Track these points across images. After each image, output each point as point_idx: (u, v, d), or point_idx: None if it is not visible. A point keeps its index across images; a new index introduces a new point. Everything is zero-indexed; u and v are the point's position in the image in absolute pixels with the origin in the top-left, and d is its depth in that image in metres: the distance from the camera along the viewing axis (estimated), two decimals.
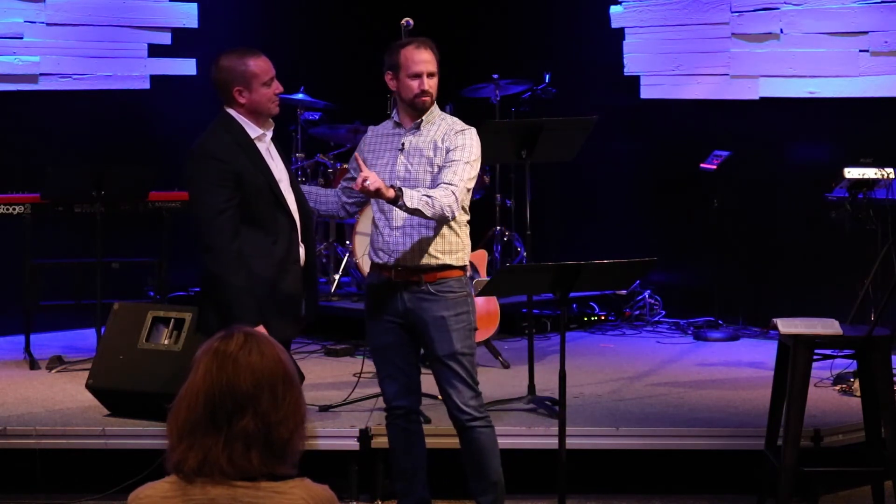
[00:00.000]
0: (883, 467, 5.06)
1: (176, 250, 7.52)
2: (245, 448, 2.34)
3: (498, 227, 8.32)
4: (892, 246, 5.98)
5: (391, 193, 4.36)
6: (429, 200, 4.41)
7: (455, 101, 7.75)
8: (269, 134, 4.56)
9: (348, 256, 8.02)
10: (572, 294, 4.72)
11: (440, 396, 4.87)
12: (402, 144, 4.64)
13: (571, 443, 4.84)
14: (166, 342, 5.74)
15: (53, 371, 6.91)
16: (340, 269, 8.12)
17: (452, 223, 4.59)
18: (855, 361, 5.47)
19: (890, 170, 6.43)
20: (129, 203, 7.36)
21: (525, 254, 7.61)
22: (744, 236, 8.44)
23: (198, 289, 6.33)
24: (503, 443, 4.77)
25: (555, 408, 5.57)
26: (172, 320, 5.79)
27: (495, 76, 8.31)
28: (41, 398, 6.20)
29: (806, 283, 8.09)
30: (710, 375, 6.87)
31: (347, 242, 8.07)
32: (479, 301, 6.81)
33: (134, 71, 8.57)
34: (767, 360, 6.15)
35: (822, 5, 8.08)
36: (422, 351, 4.77)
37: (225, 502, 2.34)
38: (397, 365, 4.70)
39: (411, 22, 5.50)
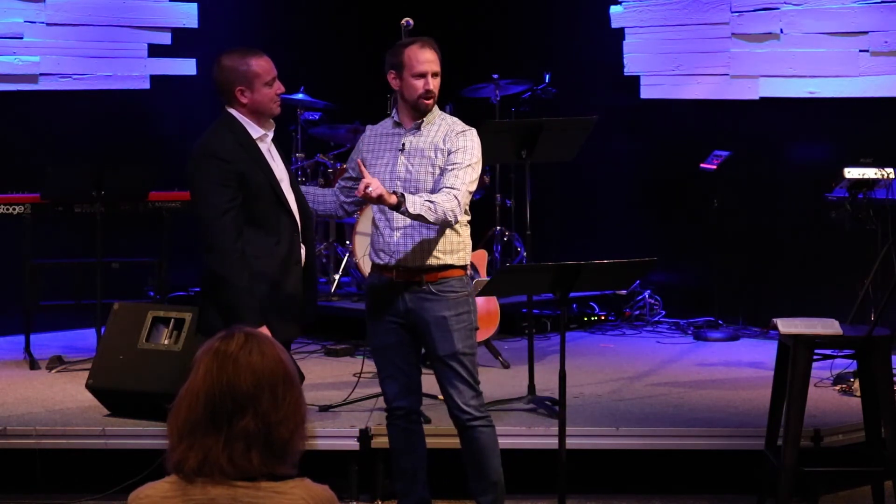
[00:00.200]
0: (883, 467, 5.06)
1: (176, 250, 7.52)
2: (245, 448, 2.34)
3: (498, 227, 8.32)
4: (892, 246, 5.98)
5: (393, 200, 4.34)
6: (431, 206, 4.40)
7: (455, 101, 7.76)
8: (271, 135, 4.56)
9: (348, 256, 8.02)
10: (572, 294, 4.72)
11: (441, 396, 4.88)
12: (403, 145, 4.63)
13: (571, 443, 4.84)
14: (166, 342, 5.74)
15: (53, 371, 6.91)
16: (340, 269, 8.12)
17: None
18: (855, 361, 5.47)
19: (890, 170, 6.43)
20: (129, 203, 7.36)
21: (525, 254, 7.61)
22: (744, 236, 8.44)
23: (198, 289, 6.35)
24: (503, 443, 4.77)
25: (555, 408, 5.57)
26: (172, 320, 5.79)
27: (495, 76, 8.31)
28: (41, 398, 6.20)
29: (806, 283, 8.09)
30: (710, 375, 6.87)
31: (347, 242, 8.07)
32: (479, 301, 6.80)
33: (134, 71, 8.57)
34: (767, 360, 6.15)
35: (822, 5, 8.08)
36: (422, 351, 4.77)
37: (225, 502, 2.34)
38: (398, 365, 4.69)
39: (411, 22, 5.50)
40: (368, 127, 4.84)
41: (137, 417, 5.59)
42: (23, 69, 8.15)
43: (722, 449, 5.58)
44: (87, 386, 5.82)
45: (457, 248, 4.63)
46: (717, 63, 8.47)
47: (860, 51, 7.96)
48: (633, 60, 8.83)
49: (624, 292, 8.60)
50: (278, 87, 4.51)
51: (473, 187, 4.59)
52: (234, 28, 8.68)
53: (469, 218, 4.69)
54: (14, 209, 7.14)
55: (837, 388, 6.35)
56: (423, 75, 4.57)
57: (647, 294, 8.76)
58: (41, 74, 8.22)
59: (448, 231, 4.59)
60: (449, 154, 4.56)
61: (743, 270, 8.44)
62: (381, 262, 4.65)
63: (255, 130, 4.50)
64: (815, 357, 5.00)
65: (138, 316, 5.86)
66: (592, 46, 9.00)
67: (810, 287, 8.00)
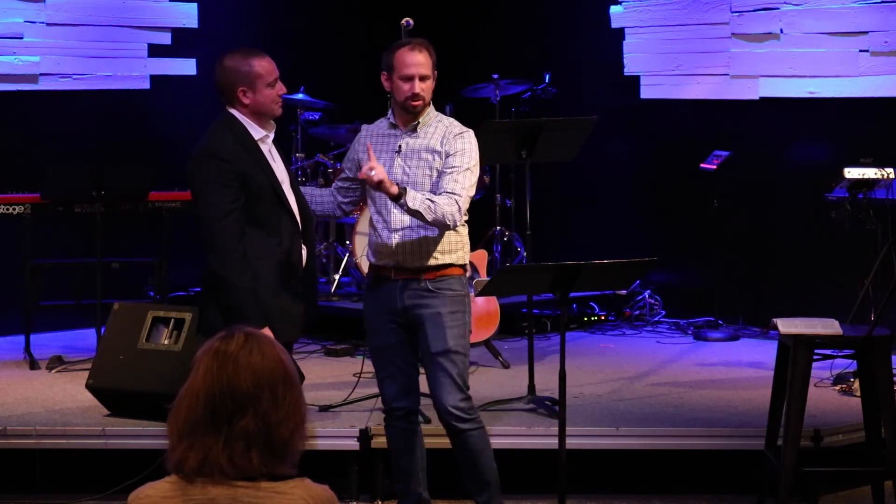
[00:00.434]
0: (883, 467, 5.06)
1: (176, 250, 7.51)
2: (245, 448, 2.34)
3: (498, 227, 8.32)
4: (892, 246, 5.98)
5: (394, 190, 4.34)
6: (431, 205, 4.39)
7: (455, 101, 7.76)
8: (272, 135, 4.55)
9: (348, 256, 8.02)
10: (572, 294, 4.72)
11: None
12: (399, 146, 4.62)
13: (571, 443, 4.84)
14: (166, 342, 5.74)
15: (53, 371, 6.91)
16: (340, 269, 8.12)
17: None
18: (855, 361, 5.47)
19: (890, 170, 6.43)
20: (129, 203, 7.35)
21: (525, 254, 7.61)
22: (744, 236, 8.44)
23: (198, 289, 6.35)
24: (503, 443, 4.78)
25: (555, 408, 5.56)
26: (172, 320, 5.78)
27: (495, 76, 8.30)
28: (41, 398, 6.20)
29: (806, 283, 8.09)
30: (710, 375, 6.87)
31: (347, 242, 8.07)
32: (479, 301, 6.82)
33: (134, 71, 8.57)
34: (767, 360, 6.15)
35: (822, 5, 8.08)
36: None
37: (225, 502, 2.35)
38: (397, 365, 4.69)
39: (411, 22, 5.50)
40: (364, 126, 4.82)
41: (137, 417, 5.59)
42: (23, 69, 8.14)
43: (722, 449, 5.58)
44: (87, 386, 5.82)
45: (455, 248, 4.63)
46: (717, 63, 8.47)
47: (860, 51, 7.96)
48: (633, 60, 8.83)
49: (624, 292, 8.60)
50: (280, 88, 4.50)
51: (473, 191, 4.59)
52: (234, 28, 8.67)
53: (467, 217, 4.68)
54: (14, 209, 7.14)
55: (837, 388, 6.35)
56: (410, 78, 4.55)
57: (647, 294, 8.76)
58: (41, 74, 8.22)
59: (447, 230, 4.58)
60: (447, 157, 4.55)
61: (743, 270, 8.43)
62: (379, 263, 4.65)
63: (256, 131, 4.49)
64: (815, 357, 5.00)
65: (138, 316, 5.86)
66: (592, 46, 9.01)
67: (810, 287, 7.99)
